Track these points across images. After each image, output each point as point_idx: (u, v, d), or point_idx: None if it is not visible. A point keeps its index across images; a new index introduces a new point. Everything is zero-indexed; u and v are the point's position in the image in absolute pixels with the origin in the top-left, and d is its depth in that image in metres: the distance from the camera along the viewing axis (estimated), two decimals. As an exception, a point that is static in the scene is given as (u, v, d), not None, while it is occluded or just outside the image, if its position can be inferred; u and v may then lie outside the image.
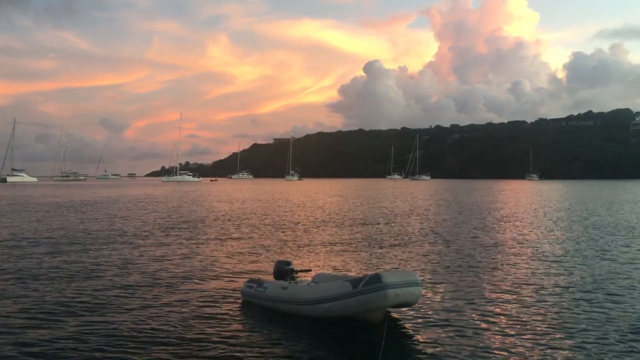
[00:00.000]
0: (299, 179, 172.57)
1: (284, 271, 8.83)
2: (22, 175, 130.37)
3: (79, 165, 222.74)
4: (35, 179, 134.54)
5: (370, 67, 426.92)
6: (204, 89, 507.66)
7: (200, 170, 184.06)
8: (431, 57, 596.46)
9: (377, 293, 7.19)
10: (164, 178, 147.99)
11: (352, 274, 10.23)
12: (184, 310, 8.66)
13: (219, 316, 8.31)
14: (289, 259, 10.04)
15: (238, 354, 6.71)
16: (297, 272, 8.91)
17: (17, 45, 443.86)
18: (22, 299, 9.40)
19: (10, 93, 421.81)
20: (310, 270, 9.75)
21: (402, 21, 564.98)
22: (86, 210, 32.69)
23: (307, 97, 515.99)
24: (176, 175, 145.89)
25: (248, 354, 6.71)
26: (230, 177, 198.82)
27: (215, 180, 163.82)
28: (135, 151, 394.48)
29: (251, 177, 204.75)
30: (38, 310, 8.62)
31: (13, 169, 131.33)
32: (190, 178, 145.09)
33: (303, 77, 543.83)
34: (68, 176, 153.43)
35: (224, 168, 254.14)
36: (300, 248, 16.05)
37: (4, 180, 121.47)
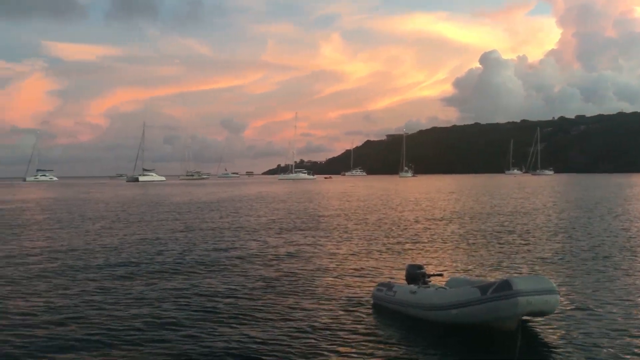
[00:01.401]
0: (412, 176, 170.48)
1: (415, 275, 8.60)
2: (152, 175, 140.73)
3: (202, 164, 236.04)
4: (163, 178, 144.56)
5: (487, 58, 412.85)
6: (317, 88, 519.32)
7: (314, 168, 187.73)
8: (553, 44, 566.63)
9: (507, 301, 6.75)
10: (280, 176, 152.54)
11: (488, 278, 9.68)
12: (314, 310, 8.73)
13: (349, 319, 8.24)
14: (420, 263, 9.76)
15: (365, 357, 6.61)
16: (429, 276, 8.67)
17: (146, 53, 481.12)
18: (165, 291, 9.96)
19: (141, 98, 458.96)
20: (441, 274, 9.48)
21: (520, 9, 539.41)
22: (213, 208, 34.46)
23: (420, 92, 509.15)
24: (291, 173, 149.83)
25: (375, 358, 6.59)
26: (344, 175, 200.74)
27: (330, 177, 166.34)
28: (253, 150, 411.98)
29: (364, 174, 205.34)
30: (176, 304, 9.07)
31: (144, 169, 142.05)
32: (305, 176, 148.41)
33: (416, 72, 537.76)
34: (192, 175, 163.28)
35: (337, 165, 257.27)
36: (429, 250, 15.45)
37: (136, 180, 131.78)
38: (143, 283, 11.04)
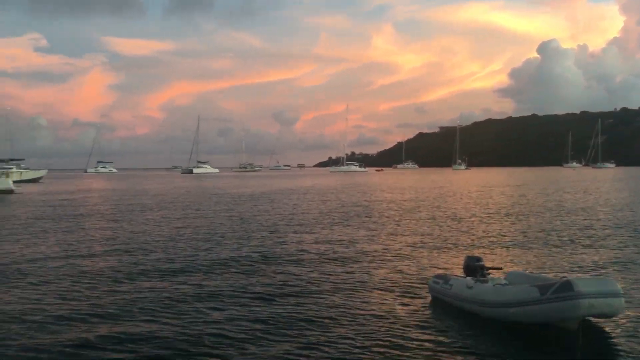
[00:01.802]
0: (466, 168, 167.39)
1: (473, 267, 8.43)
2: (206, 167, 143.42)
3: (254, 156, 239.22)
4: (217, 170, 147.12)
5: (545, 48, 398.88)
6: (369, 80, 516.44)
7: (365, 160, 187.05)
8: (616, 32, 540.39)
9: (567, 302, 6.54)
10: (332, 168, 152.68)
11: (549, 275, 9.40)
12: (369, 300, 8.85)
13: (405, 310, 8.27)
14: (479, 255, 9.57)
15: (418, 350, 6.62)
16: (487, 269, 8.49)
17: (200, 47, 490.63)
18: (226, 284, 10.22)
19: (195, 92, 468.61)
20: (501, 268, 9.26)
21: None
22: (267, 200, 34.96)
23: (475, 83, 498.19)
24: (343, 165, 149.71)
25: (428, 351, 6.59)
26: (396, 167, 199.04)
27: (381, 170, 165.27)
28: (304, 142, 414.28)
29: (416, 166, 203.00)
30: (234, 297, 9.29)
31: (198, 161, 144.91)
32: (357, 168, 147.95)
33: (470, 63, 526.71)
34: (245, 167, 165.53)
35: (388, 158, 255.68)
36: (487, 243, 15.23)
37: (191, 172, 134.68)
38: (201, 277, 11.31)
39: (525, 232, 17.55)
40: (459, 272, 9.25)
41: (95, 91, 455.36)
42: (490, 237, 16.52)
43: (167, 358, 6.52)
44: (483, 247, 14.58)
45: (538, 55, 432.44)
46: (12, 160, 63.10)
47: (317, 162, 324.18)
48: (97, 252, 14.16)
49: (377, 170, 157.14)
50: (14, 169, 65.36)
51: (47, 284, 10.41)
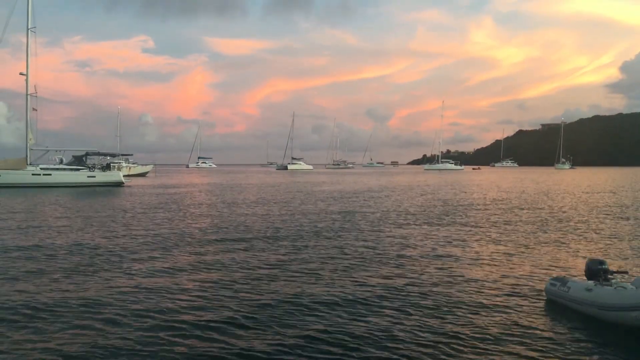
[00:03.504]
0: (570, 167, 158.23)
1: (596, 271, 7.99)
2: (300, 164, 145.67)
3: (347, 153, 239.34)
4: (311, 167, 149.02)
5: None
6: (466, 75, 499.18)
7: (461, 158, 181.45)
8: None
9: None
10: (426, 166, 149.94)
11: None
12: (483, 300, 8.64)
13: (520, 312, 8.03)
14: (602, 258, 8.66)
15: (533, 352, 6.34)
16: (611, 273, 7.95)
17: (298, 45, 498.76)
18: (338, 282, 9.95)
19: (291, 89, 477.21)
20: (626, 272, 8.47)
21: None
22: (366, 197, 34.60)
23: (581, 78, 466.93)
24: (438, 163, 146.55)
25: (542, 353, 6.30)
26: (494, 166, 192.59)
27: (478, 168, 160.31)
28: (398, 140, 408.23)
29: (515, 165, 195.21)
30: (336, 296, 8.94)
31: (293, 158, 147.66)
32: (453, 166, 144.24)
33: (576, 56, 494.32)
34: (339, 164, 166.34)
35: (485, 156, 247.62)
36: (611, 246, 14.12)
37: (285, 168, 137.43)
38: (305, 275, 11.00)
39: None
40: (579, 275, 8.91)
41: (197, 89, 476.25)
42: (614, 239, 15.37)
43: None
44: (606, 250, 13.55)
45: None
46: (122, 155, 66.99)
47: (410, 159, 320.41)
48: (208, 240, 14.34)
49: (474, 169, 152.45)
50: (124, 164, 69.45)
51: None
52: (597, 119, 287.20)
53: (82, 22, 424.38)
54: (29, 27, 43.12)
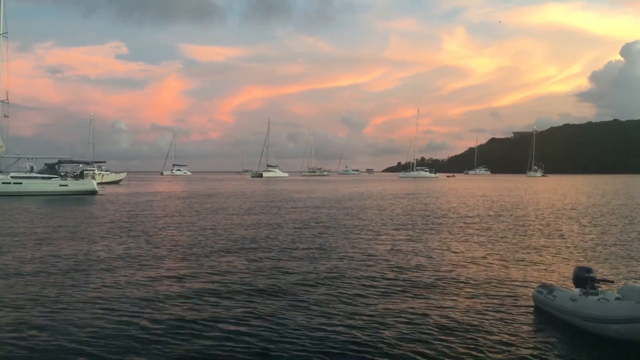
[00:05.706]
0: (542, 175, 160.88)
1: (583, 279, 7.96)
2: (275, 171, 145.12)
3: (323, 161, 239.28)
4: (286, 174, 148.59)
5: (630, 50, 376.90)
6: (440, 84, 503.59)
7: (435, 166, 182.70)
8: None
9: None
10: (402, 174, 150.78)
11: None
12: (471, 306, 8.63)
13: (506, 319, 8.00)
14: (589, 266, 8.67)
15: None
16: (597, 281, 7.96)
17: (273, 53, 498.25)
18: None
19: (266, 96, 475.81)
20: (612, 281, 8.59)
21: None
22: (343, 205, 34.49)
23: (552, 87, 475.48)
24: (413, 171, 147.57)
25: None
26: (467, 173, 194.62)
27: (453, 175, 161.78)
28: (373, 147, 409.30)
29: (488, 172, 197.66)
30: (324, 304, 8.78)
31: (268, 165, 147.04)
32: (427, 174, 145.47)
33: (546, 66, 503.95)
34: (314, 172, 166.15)
35: (459, 163, 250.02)
36: (597, 254, 14.19)
37: (261, 175, 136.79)
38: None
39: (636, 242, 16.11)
40: (569, 283, 8.89)
41: (171, 96, 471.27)
42: (599, 247, 15.43)
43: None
44: (593, 257, 13.55)
45: (621, 58, 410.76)
46: (95, 162, 65.68)
47: (385, 167, 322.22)
48: (179, 248, 14.00)
49: (448, 176, 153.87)
50: (97, 171, 68.12)
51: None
52: (567, 127, 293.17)
53: (55, 28, 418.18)
54: (1, 33, 42.14)
